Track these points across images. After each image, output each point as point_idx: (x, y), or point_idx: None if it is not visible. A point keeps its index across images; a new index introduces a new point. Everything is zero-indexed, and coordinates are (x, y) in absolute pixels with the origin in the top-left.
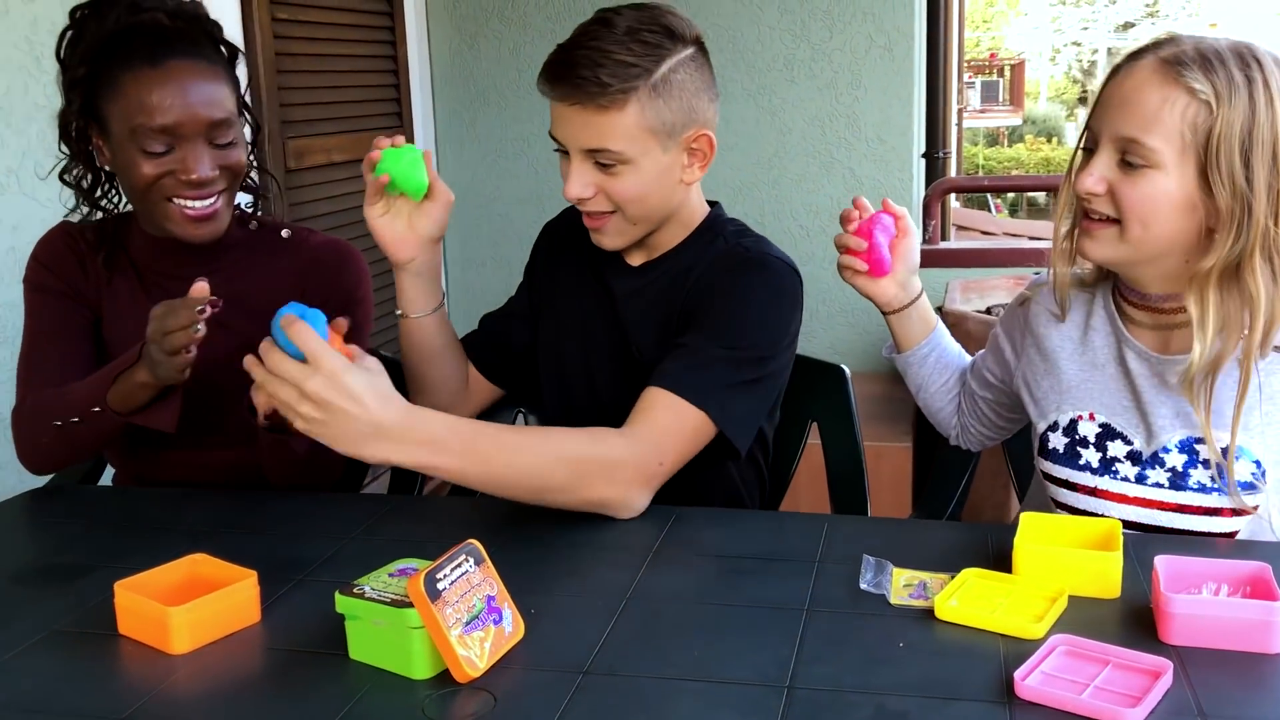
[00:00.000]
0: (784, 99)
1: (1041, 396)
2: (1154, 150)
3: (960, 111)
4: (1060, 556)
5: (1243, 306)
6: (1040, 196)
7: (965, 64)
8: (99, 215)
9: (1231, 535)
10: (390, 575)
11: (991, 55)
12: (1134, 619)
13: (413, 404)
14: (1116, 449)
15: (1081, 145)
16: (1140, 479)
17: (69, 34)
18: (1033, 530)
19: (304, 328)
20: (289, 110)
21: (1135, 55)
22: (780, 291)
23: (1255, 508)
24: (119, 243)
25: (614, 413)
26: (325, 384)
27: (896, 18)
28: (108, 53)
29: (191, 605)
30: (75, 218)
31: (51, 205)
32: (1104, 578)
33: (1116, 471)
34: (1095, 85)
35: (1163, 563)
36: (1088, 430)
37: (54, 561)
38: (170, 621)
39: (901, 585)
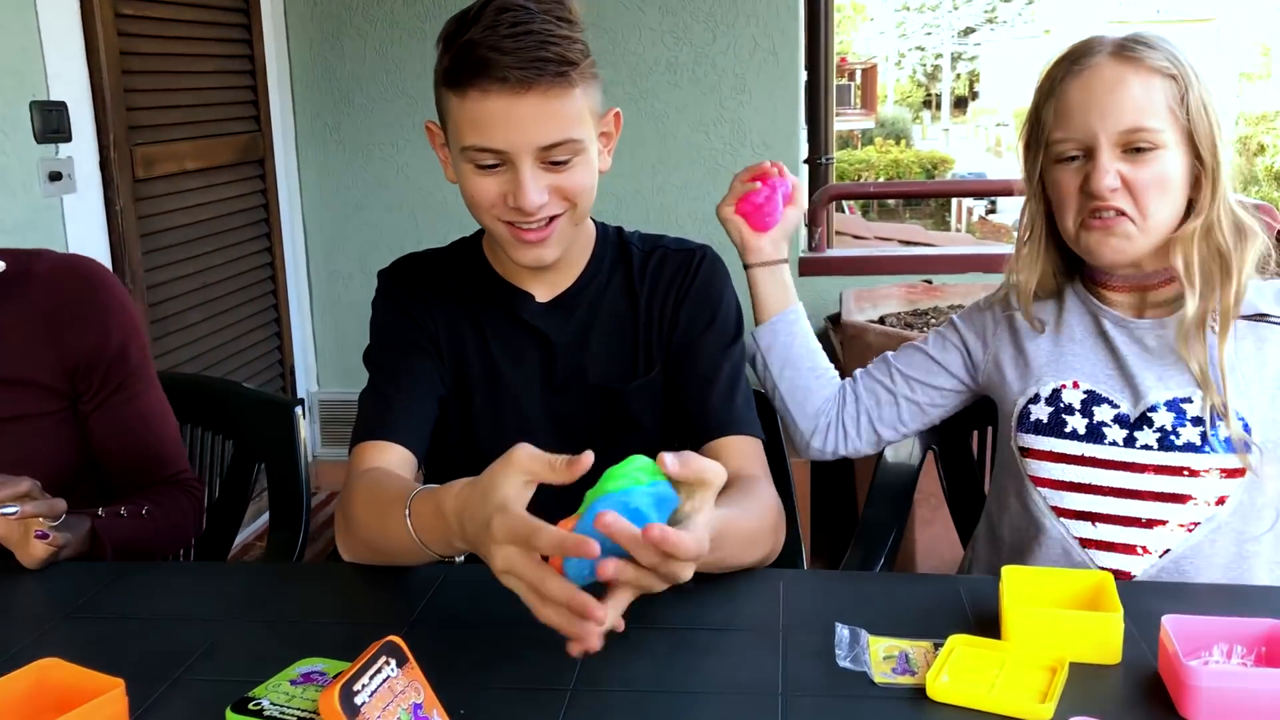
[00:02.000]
0: (667, 103)
1: (1018, 374)
2: (1159, 131)
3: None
4: (1058, 620)
5: (1217, 264)
6: (890, 202)
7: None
8: None
9: (1222, 501)
10: (293, 683)
11: (842, 59)
12: (1143, 689)
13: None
14: (1103, 413)
15: (1049, 158)
16: (1129, 441)
17: None
18: (1020, 588)
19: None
20: (136, 115)
21: (1078, 59)
22: (728, 272)
23: (1245, 470)
24: None
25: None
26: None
27: (780, 20)
28: None
29: None
30: None
31: None
32: (1105, 642)
33: (1104, 436)
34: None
35: (1171, 624)
36: (1072, 397)
37: None
38: None
39: (881, 658)
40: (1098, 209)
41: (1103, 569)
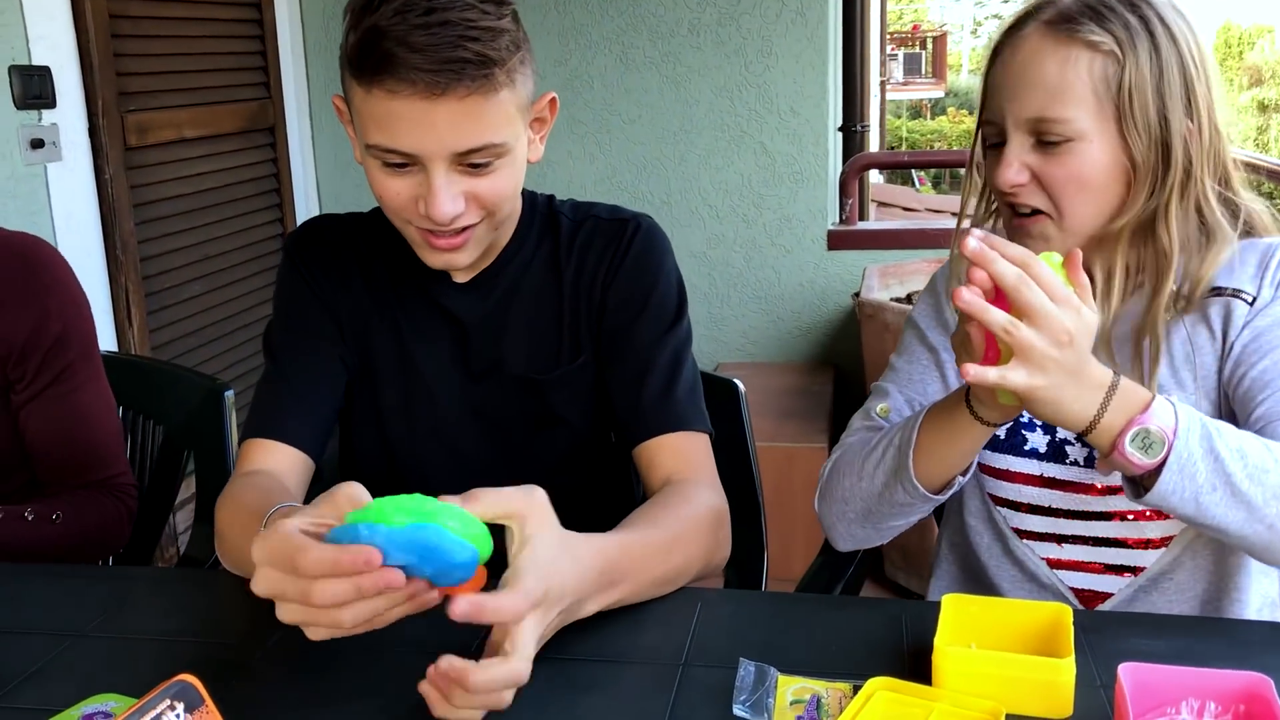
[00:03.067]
0: (689, 67)
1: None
2: (1068, 121)
3: (884, 84)
4: (996, 666)
5: (1156, 262)
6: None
7: (888, 36)
8: None
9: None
10: None
11: (914, 27)
12: None
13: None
14: (1065, 430)
15: (981, 142)
16: (1090, 461)
17: None
18: (958, 621)
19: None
20: (128, 80)
21: (1015, 27)
22: (668, 244)
23: None
24: None
25: (504, 448)
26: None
27: None
28: None
29: None
30: None
31: None
32: (1053, 693)
33: (1066, 455)
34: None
35: (1130, 674)
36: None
37: None
38: None
39: (788, 703)
40: (1012, 204)
41: (1075, 589)
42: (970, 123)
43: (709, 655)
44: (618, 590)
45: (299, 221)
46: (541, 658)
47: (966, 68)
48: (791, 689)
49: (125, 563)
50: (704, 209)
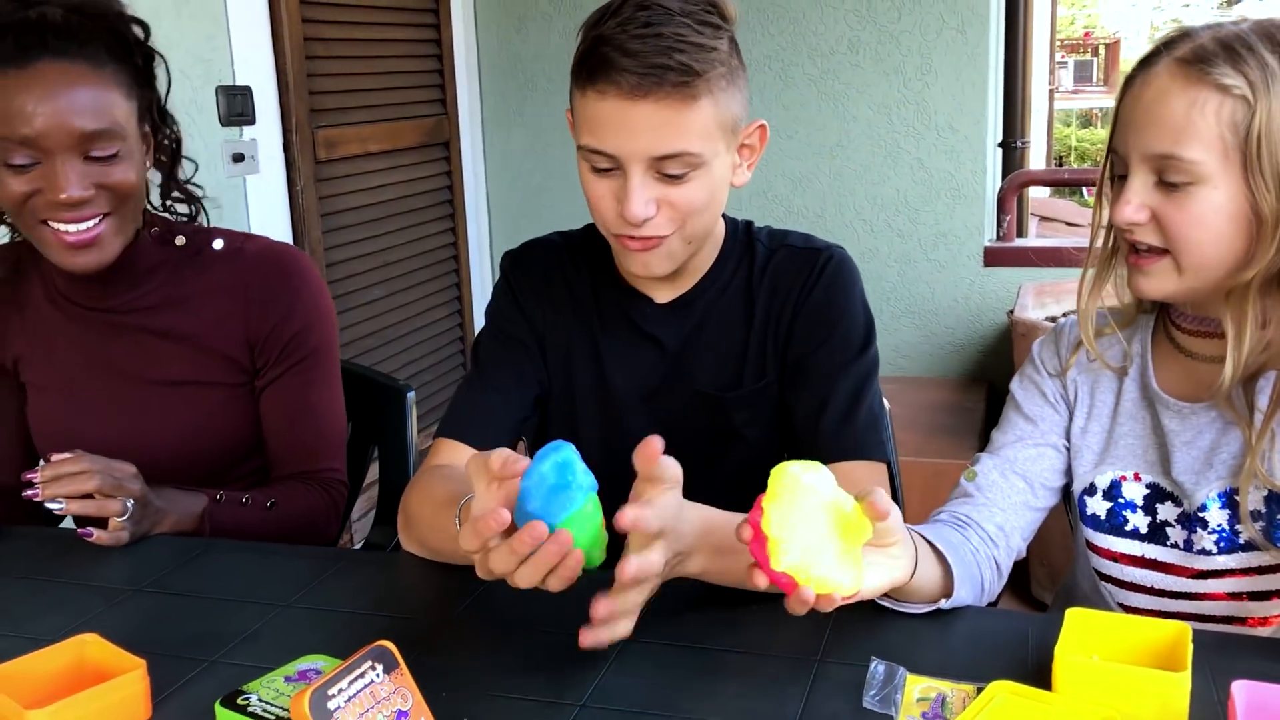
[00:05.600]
0: (848, 84)
1: (1076, 452)
2: (1194, 163)
3: (1052, 92)
4: (1112, 674)
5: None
6: None
7: (1058, 43)
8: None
9: None
10: (287, 679)
11: (1086, 34)
12: None
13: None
14: (1166, 512)
15: (1109, 173)
16: (1188, 545)
17: None
18: (1080, 634)
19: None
20: (319, 99)
21: (1147, 61)
22: (858, 276)
23: None
24: (37, 269)
25: (684, 461)
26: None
27: None
28: None
29: (56, 708)
30: None
31: None
32: (1167, 704)
33: (1167, 537)
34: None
35: (1241, 690)
36: (1133, 492)
37: None
38: None
39: (915, 700)
40: (1131, 241)
41: None
42: None
43: (843, 653)
44: (723, 559)
45: (469, 231)
46: (687, 644)
47: None
48: (919, 688)
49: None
50: (858, 223)
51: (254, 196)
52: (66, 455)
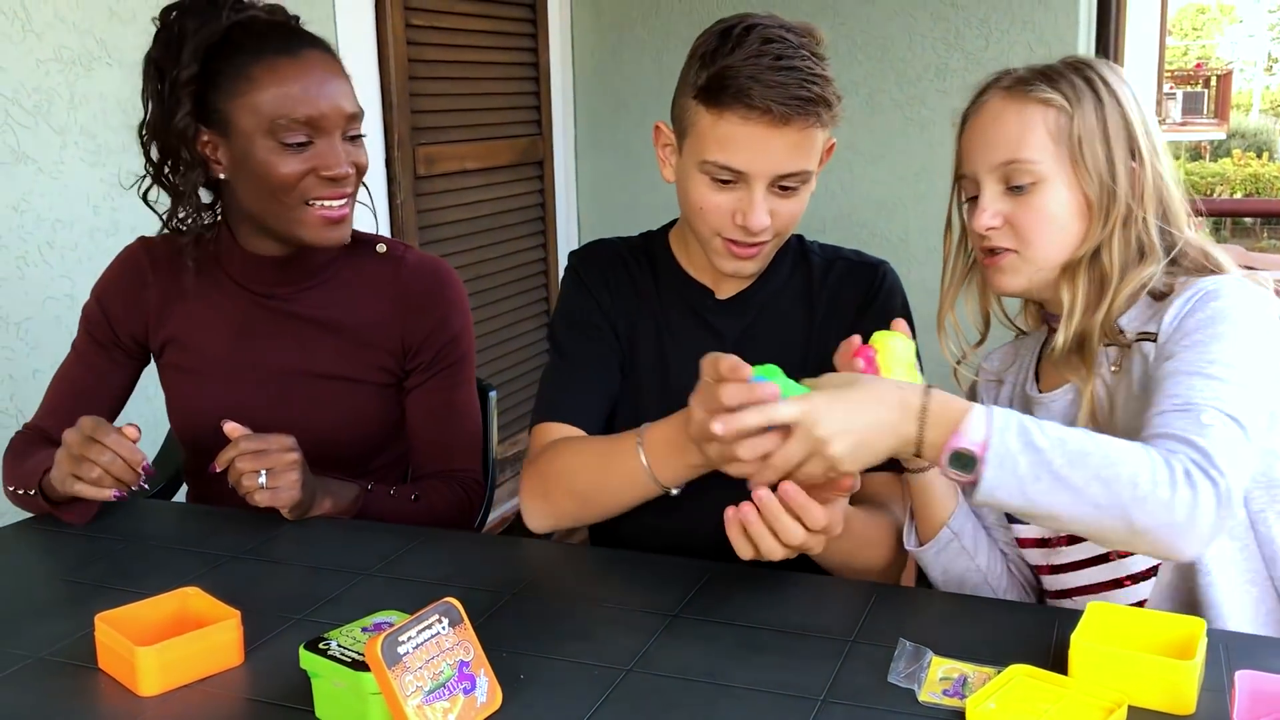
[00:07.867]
0: (935, 110)
1: None
2: (1034, 162)
3: (1158, 124)
4: (1124, 660)
5: (1100, 284)
6: (1246, 219)
7: (1167, 74)
8: (190, 227)
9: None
10: (364, 630)
11: (1198, 65)
12: None
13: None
14: None
15: (959, 199)
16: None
17: (162, 36)
18: (1097, 625)
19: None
20: (420, 117)
21: (978, 98)
22: (903, 288)
23: None
24: (213, 257)
25: None
26: None
27: (1058, 27)
28: (231, 47)
29: (162, 646)
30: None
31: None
32: (1176, 690)
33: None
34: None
35: (1244, 679)
36: None
37: (68, 580)
38: (138, 662)
39: (939, 679)
40: (986, 247)
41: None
42: (1257, 166)
43: (875, 636)
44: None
45: (560, 247)
46: (732, 622)
47: (1258, 107)
48: (943, 668)
49: None
50: (941, 248)
51: (357, 210)
52: (246, 431)
